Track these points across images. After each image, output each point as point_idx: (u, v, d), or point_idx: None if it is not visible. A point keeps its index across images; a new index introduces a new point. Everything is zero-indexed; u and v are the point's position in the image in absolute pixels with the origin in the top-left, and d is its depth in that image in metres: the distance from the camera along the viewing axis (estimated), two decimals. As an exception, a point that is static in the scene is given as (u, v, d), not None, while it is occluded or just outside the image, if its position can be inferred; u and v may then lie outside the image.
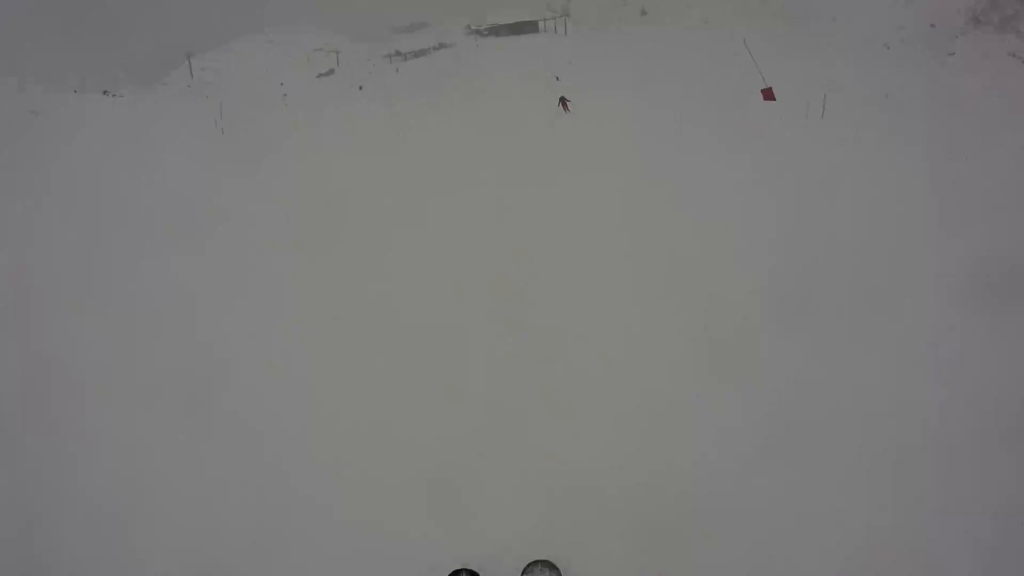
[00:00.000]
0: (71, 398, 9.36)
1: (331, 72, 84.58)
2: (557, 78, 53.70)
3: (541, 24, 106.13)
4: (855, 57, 57.94)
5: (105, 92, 65.65)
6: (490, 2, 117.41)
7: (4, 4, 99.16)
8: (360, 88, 61.08)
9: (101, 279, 13.47)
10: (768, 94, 18.93)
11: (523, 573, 6.74)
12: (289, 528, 7.16)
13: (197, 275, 13.42)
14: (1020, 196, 18.48)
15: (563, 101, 35.84)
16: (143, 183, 22.92)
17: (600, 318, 11.72)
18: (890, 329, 11.16)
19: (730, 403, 9.19)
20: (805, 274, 13.20)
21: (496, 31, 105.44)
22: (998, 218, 16.18)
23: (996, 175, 19.98)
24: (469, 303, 12.30)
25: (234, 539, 7.05)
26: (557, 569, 6.75)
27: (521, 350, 10.66)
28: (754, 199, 18.01)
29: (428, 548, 6.91)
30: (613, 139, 26.55)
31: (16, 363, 10.17)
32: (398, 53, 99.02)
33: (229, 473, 7.91)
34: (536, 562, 6.82)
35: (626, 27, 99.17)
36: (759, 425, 8.71)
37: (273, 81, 73.81)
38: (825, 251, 14.42)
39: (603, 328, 11.37)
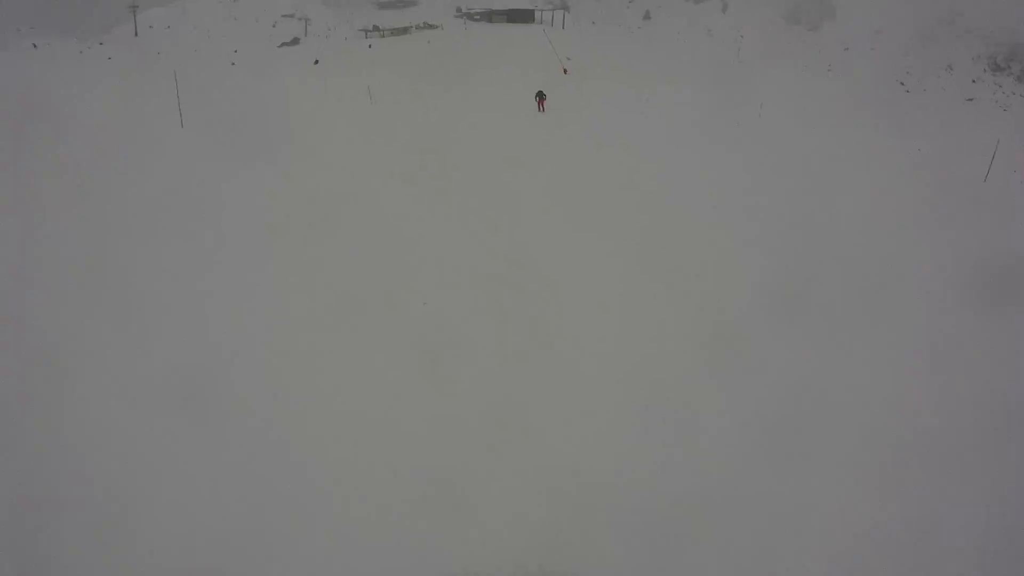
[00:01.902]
0: (69, 396, 9.39)
1: (295, 41, 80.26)
2: (566, 68, 52.26)
3: (538, 15, 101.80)
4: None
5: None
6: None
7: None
8: (316, 62, 56.28)
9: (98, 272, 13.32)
10: None
11: None
12: (290, 528, 7.34)
13: (193, 271, 13.31)
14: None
15: (540, 99, 34.60)
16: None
17: (599, 316, 12.11)
18: (885, 326, 11.85)
19: (729, 400, 9.61)
20: (802, 273, 13.73)
21: (489, 17, 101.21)
22: (992, 219, 16.83)
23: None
24: (469, 300, 12.52)
25: (234, 538, 7.27)
26: None
27: (520, 349, 11.00)
28: (750, 199, 18.45)
29: (429, 548, 7.21)
30: (610, 138, 26.76)
31: (15, 362, 10.11)
32: (376, 28, 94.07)
33: (229, 472, 8.03)
34: None
35: (628, 28, 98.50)
36: (758, 423, 9.13)
37: (226, 47, 69.81)
38: (821, 250, 14.95)
39: (602, 326, 11.76)
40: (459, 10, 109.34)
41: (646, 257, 14.45)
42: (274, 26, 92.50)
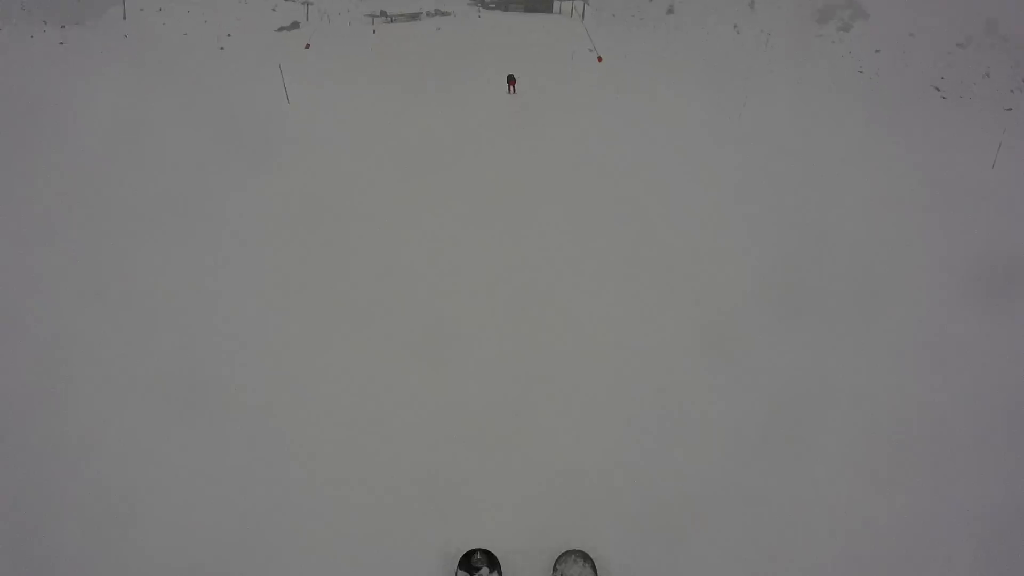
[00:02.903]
0: (69, 396, 9.45)
1: (295, 26, 77.55)
2: (600, 56, 51.65)
3: (556, 5, 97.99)
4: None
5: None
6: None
7: None
8: (307, 47, 55.20)
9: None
10: None
11: (556, 562, 7.15)
12: (292, 528, 7.47)
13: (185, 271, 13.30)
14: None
15: (511, 81, 34.17)
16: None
17: (598, 313, 12.29)
18: (885, 323, 12.06)
19: (730, 399, 9.83)
20: (801, 270, 13.84)
21: (504, 5, 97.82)
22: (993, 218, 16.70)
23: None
24: (469, 299, 12.62)
25: (234, 538, 7.35)
26: (590, 559, 7.15)
27: (520, 345, 11.11)
28: (750, 196, 18.41)
29: (432, 545, 7.29)
30: (622, 134, 26.62)
31: (15, 362, 10.19)
32: (383, 14, 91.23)
33: (230, 472, 8.18)
34: (569, 552, 7.20)
35: (650, 22, 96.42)
36: (759, 421, 9.37)
37: (219, 30, 67.92)
38: (820, 247, 14.95)
39: (601, 323, 11.94)
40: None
41: (647, 255, 14.67)
42: (274, 10, 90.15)
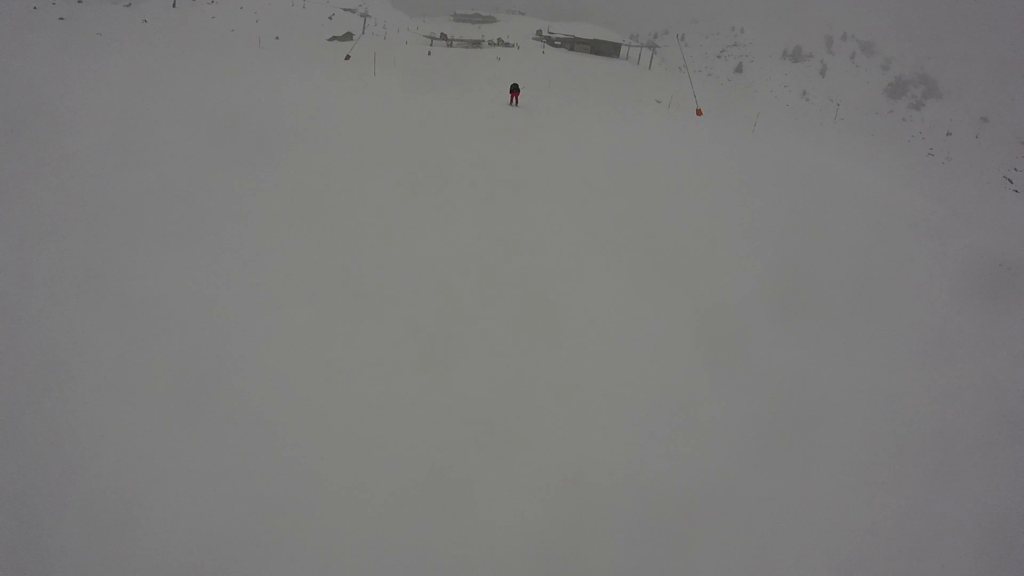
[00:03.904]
0: (69, 396, 9.41)
1: (347, 36, 77.10)
2: (700, 108, 50.31)
3: (624, 50, 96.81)
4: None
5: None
6: (571, 17, 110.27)
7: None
8: (347, 58, 54.56)
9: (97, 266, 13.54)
10: None
11: None
12: (292, 528, 7.53)
13: (194, 268, 13.27)
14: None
15: (514, 92, 33.53)
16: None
17: (599, 313, 12.40)
18: (885, 323, 12.19)
19: (730, 401, 9.93)
20: (801, 270, 13.78)
21: (571, 44, 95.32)
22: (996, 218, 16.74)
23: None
24: (471, 298, 12.73)
25: (235, 538, 7.39)
26: None
27: (522, 345, 11.20)
28: (750, 196, 18.42)
29: (430, 548, 7.34)
30: (617, 139, 26.58)
31: (16, 362, 10.05)
32: (443, 36, 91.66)
33: (230, 472, 8.22)
34: None
35: (717, 78, 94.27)
36: (759, 423, 9.47)
37: (267, 31, 68.47)
38: (820, 247, 14.96)
39: (603, 323, 12.06)
40: (539, 33, 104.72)
41: (648, 255, 14.85)
42: (330, 18, 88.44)
